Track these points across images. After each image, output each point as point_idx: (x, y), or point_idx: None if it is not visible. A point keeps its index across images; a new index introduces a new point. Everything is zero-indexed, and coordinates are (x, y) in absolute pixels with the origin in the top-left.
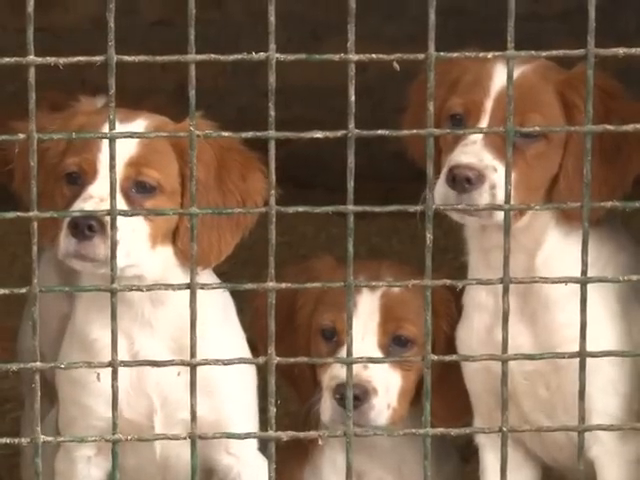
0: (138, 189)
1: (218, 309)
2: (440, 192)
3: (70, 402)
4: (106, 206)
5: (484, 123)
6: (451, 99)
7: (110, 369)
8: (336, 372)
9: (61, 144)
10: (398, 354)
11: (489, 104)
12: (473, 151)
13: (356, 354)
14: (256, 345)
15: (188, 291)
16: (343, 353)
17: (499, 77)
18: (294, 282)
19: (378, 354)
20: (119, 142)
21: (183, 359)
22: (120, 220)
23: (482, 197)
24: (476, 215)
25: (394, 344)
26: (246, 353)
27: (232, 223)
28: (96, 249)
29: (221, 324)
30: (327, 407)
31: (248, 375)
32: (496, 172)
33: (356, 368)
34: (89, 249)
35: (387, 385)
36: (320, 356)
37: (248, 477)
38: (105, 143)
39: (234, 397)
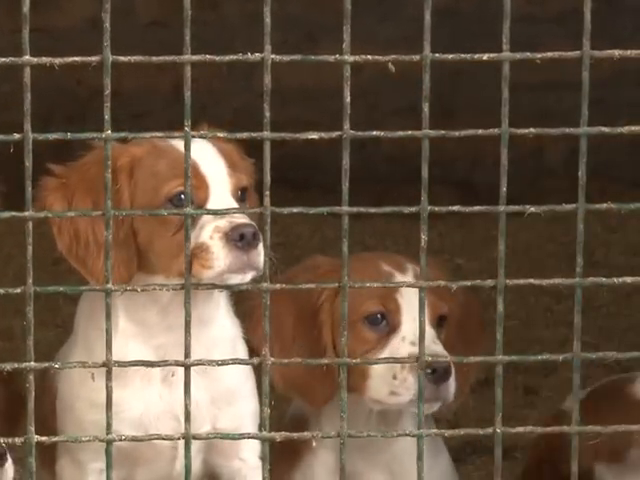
0: (239, 195)
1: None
2: (413, 387)
3: (89, 423)
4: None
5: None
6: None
7: (143, 403)
8: (407, 351)
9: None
10: (439, 334)
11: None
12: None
13: (413, 332)
14: (255, 348)
15: (224, 311)
16: (404, 334)
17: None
18: (304, 280)
19: (433, 332)
20: (210, 154)
21: (177, 360)
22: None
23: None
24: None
25: (437, 324)
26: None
27: None
28: (259, 257)
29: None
30: (410, 387)
31: (254, 381)
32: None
33: (430, 345)
34: (254, 258)
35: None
36: (367, 344)
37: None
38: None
39: (250, 404)
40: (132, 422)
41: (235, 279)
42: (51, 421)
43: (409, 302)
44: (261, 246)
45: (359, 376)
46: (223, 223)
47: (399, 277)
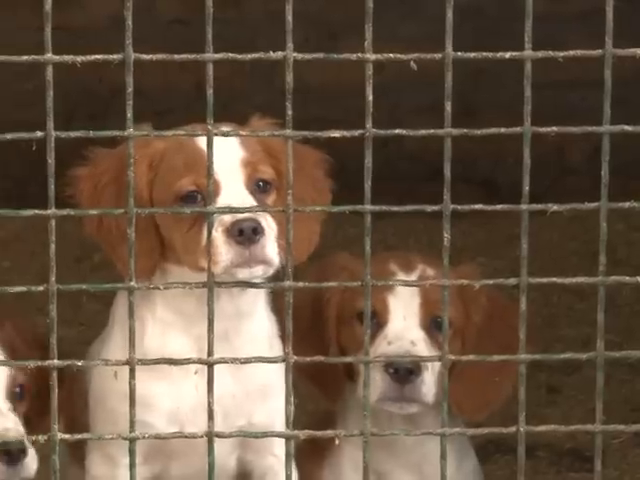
0: (258, 187)
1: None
2: (379, 386)
3: (123, 415)
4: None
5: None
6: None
7: (179, 395)
8: (382, 350)
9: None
10: (436, 337)
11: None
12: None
13: (399, 334)
14: None
15: (264, 306)
16: (386, 333)
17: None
18: (317, 278)
19: (420, 334)
20: (225, 147)
21: (201, 357)
22: (268, 219)
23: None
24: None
25: (433, 326)
26: None
27: (314, 213)
28: (263, 251)
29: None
30: (377, 385)
31: None
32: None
33: (405, 345)
34: (258, 252)
35: (432, 365)
36: (357, 341)
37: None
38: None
39: (281, 400)
40: (168, 415)
41: (243, 273)
42: (82, 417)
43: (401, 303)
44: (265, 240)
45: (356, 375)
46: (227, 217)
47: (401, 277)
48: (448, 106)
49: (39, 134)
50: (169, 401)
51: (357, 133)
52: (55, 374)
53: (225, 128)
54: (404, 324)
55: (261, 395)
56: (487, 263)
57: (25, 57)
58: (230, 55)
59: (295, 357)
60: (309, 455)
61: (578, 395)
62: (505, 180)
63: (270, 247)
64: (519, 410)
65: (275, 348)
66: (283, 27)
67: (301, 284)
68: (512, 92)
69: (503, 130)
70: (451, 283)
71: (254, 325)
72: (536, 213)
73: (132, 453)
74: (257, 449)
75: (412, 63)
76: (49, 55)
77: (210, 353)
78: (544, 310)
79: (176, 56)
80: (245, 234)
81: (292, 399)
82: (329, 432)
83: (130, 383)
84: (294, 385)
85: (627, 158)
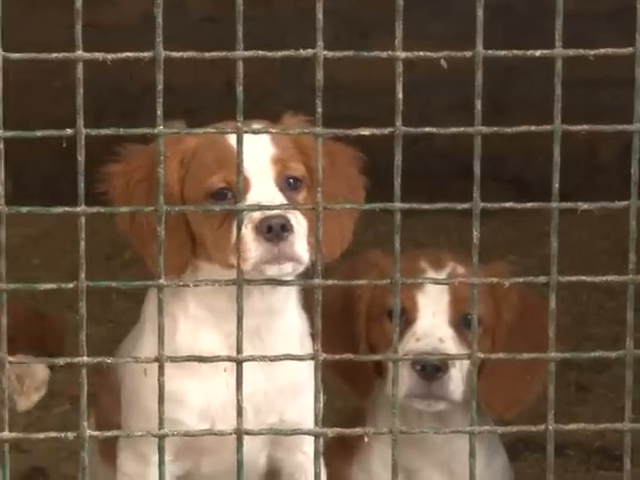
0: (288, 185)
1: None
2: (406, 382)
3: (155, 412)
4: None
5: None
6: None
7: (210, 392)
8: (410, 346)
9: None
10: (466, 334)
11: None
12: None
13: (427, 331)
14: None
15: (295, 303)
16: (415, 330)
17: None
18: (348, 276)
19: (449, 331)
20: (255, 144)
21: (230, 355)
22: (298, 217)
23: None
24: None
25: (463, 324)
26: None
27: (347, 211)
28: (292, 247)
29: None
30: (405, 382)
31: None
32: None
33: (433, 342)
34: (287, 249)
35: (460, 362)
36: (387, 339)
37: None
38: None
39: (312, 397)
40: (199, 412)
41: (272, 270)
42: (113, 414)
43: (430, 300)
44: (294, 237)
45: (385, 372)
46: (257, 214)
47: (431, 274)
48: (478, 104)
49: (69, 131)
50: (200, 398)
51: (387, 131)
52: (84, 371)
53: (256, 125)
54: (433, 321)
55: (292, 392)
56: (517, 261)
57: (55, 55)
58: (260, 53)
59: (324, 355)
60: (338, 452)
61: (608, 393)
62: (535, 178)
63: (299, 244)
64: (548, 408)
65: (306, 346)
66: (313, 25)
67: (330, 282)
68: (542, 90)
69: (533, 128)
70: (480, 281)
71: (285, 322)
72: (566, 211)
73: (161, 450)
74: (287, 446)
75: (442, 61)
76: (80, 53)
77: (239, 350)
78: (574, 308)
79: (207, 54)
80: (274, 231)
81: (321, 396)
82: (358, 430)
83: (159, 380)
84: (324, 382)
85: None
